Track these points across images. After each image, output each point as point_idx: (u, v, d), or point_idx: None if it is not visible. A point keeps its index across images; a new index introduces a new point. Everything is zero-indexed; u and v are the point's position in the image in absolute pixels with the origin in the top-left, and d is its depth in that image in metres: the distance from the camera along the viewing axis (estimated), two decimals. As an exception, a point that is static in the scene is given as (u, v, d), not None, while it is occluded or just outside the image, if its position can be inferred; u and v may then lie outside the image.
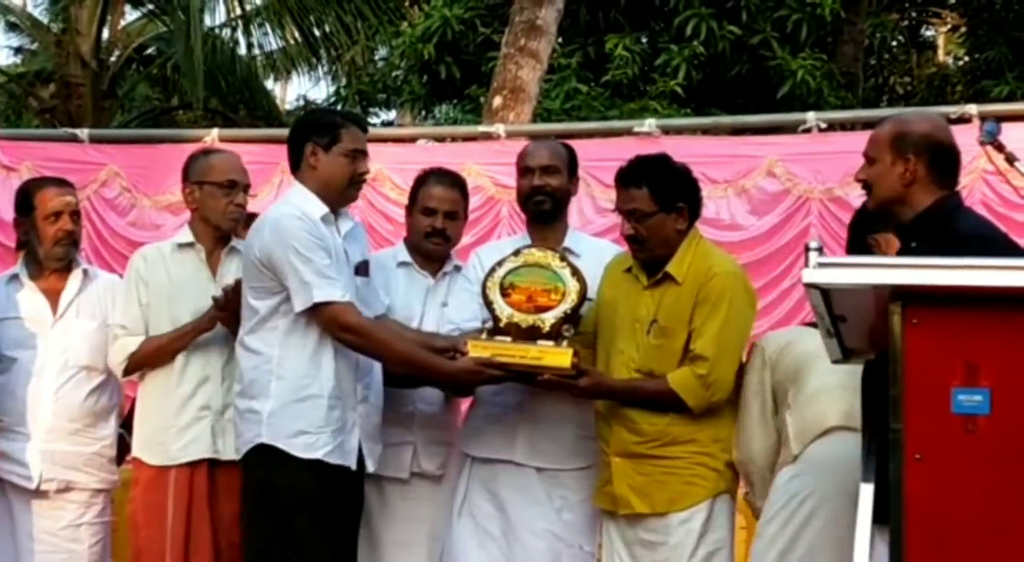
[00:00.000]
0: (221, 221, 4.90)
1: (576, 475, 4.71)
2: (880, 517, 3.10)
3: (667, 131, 6.97)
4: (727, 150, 6.58)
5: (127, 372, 4.88)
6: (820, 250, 2.98)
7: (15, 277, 5.09)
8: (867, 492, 3.22)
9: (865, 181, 3.81)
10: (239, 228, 5.00)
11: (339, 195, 4.63)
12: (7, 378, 4.99)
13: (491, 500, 4.73)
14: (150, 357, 4.83)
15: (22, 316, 5.02)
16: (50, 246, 5.01)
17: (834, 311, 3.18)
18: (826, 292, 3.04)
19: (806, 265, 2.96)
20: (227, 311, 4.70)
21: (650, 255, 4.46)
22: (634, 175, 4.47)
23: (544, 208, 4.86)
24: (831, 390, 4.18)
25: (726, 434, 4.42)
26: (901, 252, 3.77)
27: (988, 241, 3.58)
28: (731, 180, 6.59)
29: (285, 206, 4.63)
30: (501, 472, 4.73)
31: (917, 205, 3.70)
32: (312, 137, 4.65)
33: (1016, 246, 3.68)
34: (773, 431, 4.35)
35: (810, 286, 3.00)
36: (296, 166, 4.68)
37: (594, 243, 5.08)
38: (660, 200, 4.42)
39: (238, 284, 4.65)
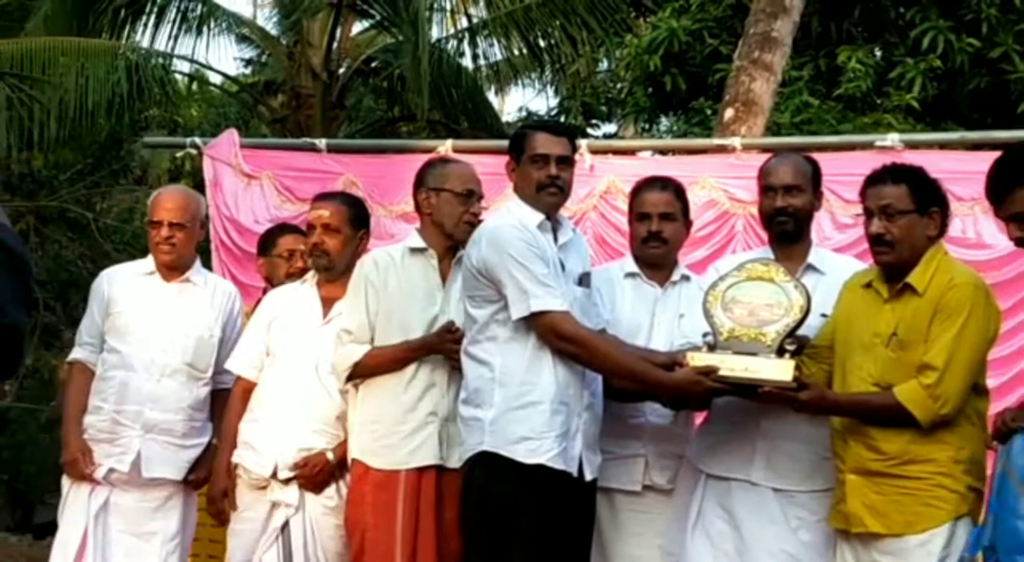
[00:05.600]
0: (456, 230, 4.93)
1: (814, 496, 4.61)
2: None
3: (909, 145, 6.79)
4: (974, 166, 6.32)
5: (350, 378, 4.93)
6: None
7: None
8: None
9: None
10: None
11: (534, 204, 4.63)
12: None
13: (725, 518, 4.67)
14: (378, 368, 4.88)
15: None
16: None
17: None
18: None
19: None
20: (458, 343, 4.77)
21: (895, 259, 4.34)
22: (893, 173, 4.40)
23: (786, 229, 4.79)
24: None
25: (968, 456, 4.27)
26: None
27: None
28: (977, 198, 6.35)
29: (502, 216, 4.69)
30: (736, 490, 4.67)
31: None
32: (511, 152, 4.77)
33: None
34: None
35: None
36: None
37: (838, 260, 4.99)
38: (917, 200, 4.33)
39: None
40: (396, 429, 4.82)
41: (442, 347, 4.80)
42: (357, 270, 5.00)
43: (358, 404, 4.95)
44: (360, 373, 4.91)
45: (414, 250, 4.98)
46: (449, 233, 4.95)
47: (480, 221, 4.91)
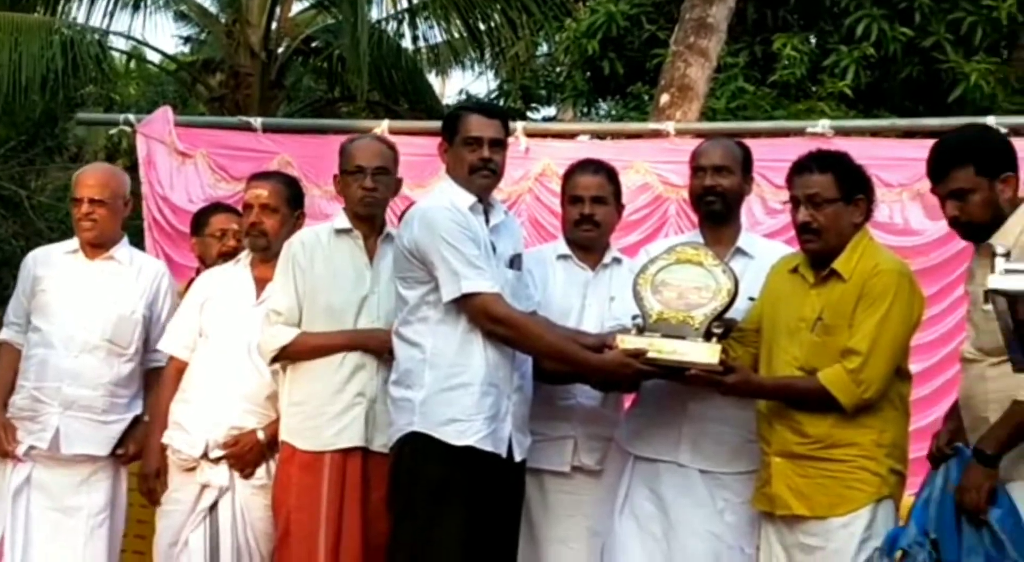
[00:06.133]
0: (355, 206, 4.96)
1: (739, 478, 4.67)
2: None
3: (840, 132, 6.86)
4: (903, 153, 6.43)
5: (275, 361, 4.92)
6: (1007, 255, 2.90)
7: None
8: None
9: None
10: (383, 214, 5.06)
11: (467, 186, 4.65)
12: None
13: (653, 500, 4.70)
14: (304, 355, 4.87)
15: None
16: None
17: (1020, 318, 3.09)
18: (1012, 299, 2.95)
19: (992, 271, 2.88)
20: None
21: (822, 247, 4.38)
22: (818, 161, 4.44)
23: (714, 209, 4.82)
24: None
25: (891, 439, 4.33)
26: None
27: None
28: (906, 184, 6.45)
29: (434, 197, 4.70)
30: (664, 472, 4.70)
31: None
32: (443, 133, 4.76)
33: None
34: None
35: (995, 292, 2.92)
36: None
37: (767, 244, 5.03)
38: (842, 188, 4.37)
39: None
40: (323, 410, 4.81)
41: (376, 349, 4.82)
42: (285, 251, 4.97)
43: (287, 385, 4.93)
44: (287, 357, 4.89)
45: (340, 231, 4.97)
46: (353, 212, 4.97)
47: (375, 194, 4.93)
